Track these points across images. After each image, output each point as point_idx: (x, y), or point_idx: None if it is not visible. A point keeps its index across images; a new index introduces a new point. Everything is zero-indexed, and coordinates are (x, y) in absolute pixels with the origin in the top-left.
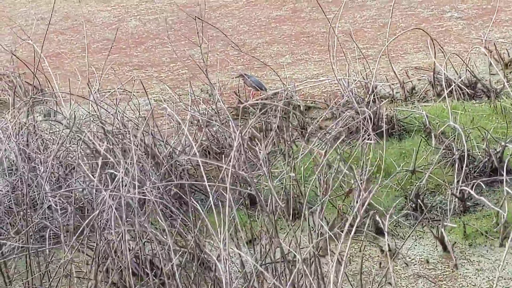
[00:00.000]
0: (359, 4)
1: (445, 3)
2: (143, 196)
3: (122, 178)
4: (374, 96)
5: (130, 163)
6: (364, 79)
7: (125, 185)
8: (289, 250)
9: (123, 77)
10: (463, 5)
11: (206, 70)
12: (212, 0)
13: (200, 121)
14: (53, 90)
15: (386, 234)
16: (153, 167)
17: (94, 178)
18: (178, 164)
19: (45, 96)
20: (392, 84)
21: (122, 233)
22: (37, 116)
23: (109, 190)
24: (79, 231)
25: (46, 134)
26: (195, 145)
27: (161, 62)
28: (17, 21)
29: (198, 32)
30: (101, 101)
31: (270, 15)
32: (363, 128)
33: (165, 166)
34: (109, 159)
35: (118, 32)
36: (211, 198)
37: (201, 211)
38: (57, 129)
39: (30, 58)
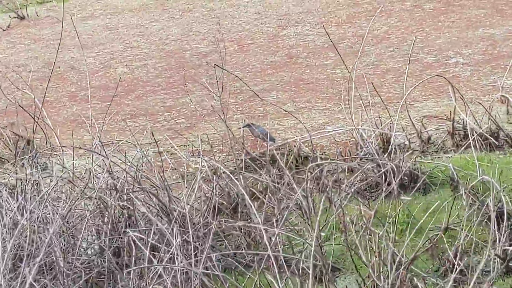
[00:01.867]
0: (357, 50)
1: (448, 48)
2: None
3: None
4: (393, 147)
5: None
6: (377, 128)
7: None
8: None
9: (116, 126)
10: (467, 50)
11: (225, 118)
12: (201, 46)
13: (209, 173)
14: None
15: None
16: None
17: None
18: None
19: (39, 148)
20: (409, 134)
21: None
22: (29, 170)
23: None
24: None
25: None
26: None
27: (154, 111)
28: None
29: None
30: (111, 153)
31: (264, 61)
32: (385, 181)
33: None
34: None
35: (106, 79)
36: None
37: None
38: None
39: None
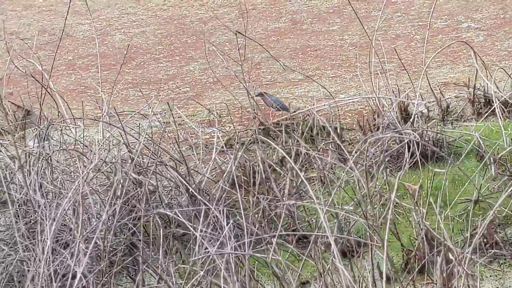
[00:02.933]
0: (363, 15)
1: (458, 13)
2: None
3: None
4: (414, 116)
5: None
6: (395, 96)
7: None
8: None
9: (118, 96)
10: (478, 15)
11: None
12: (200, 12)
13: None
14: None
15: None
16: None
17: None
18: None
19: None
20: (428, 102)
21: None
22: (30, 141)
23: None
24: None
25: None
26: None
27: (157, 79)
28: None
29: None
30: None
31: (268, 27)
32: (409, 152)
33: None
34: None
35: (104, 47)
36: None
37: None
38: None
39: (12, 76)
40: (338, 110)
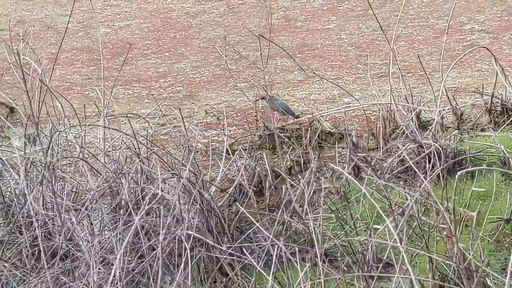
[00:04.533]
0: (360, 14)
1: (460, 13)
2: None
3: None
4: (434, 125)
5: None
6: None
7: None
8: None
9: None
10: (481, 16)
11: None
12: (187, 5)
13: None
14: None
15: None
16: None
17: None
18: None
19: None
20: (443, 109)
21: None
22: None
23: None
24: None
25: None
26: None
27: (147, 77)
28: None
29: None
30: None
31: (260, 23)
32: (429, 164)
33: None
34: None
35: (88, 41)
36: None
37: None
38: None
39: None
40: (345, 115)
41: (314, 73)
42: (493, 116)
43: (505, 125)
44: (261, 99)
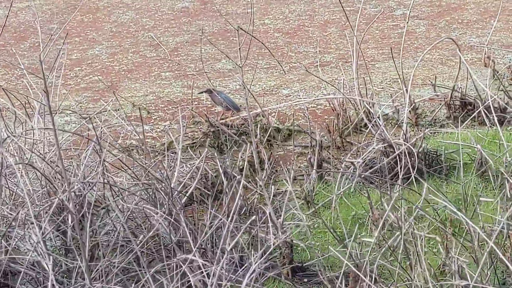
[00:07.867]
0: None
1: None
2: None
3: None
4: (402, 124)
5: None
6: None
7: None
8: None
9: (18, 84)
10: (409, 0)
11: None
12: None
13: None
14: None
15: None
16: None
17: None
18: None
19: None
20: (400, 105)
21: None
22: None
23: None
24: None
25: None
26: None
27: (59, 64)
28: None
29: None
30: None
31: (174, 7)
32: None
33: None
34: None
35: None
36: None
37: None
38: None
39: None
40: (288, 109)
41: (299, 63)
42: (452, 110)
43: (467, 121)
44: (204, 92)
